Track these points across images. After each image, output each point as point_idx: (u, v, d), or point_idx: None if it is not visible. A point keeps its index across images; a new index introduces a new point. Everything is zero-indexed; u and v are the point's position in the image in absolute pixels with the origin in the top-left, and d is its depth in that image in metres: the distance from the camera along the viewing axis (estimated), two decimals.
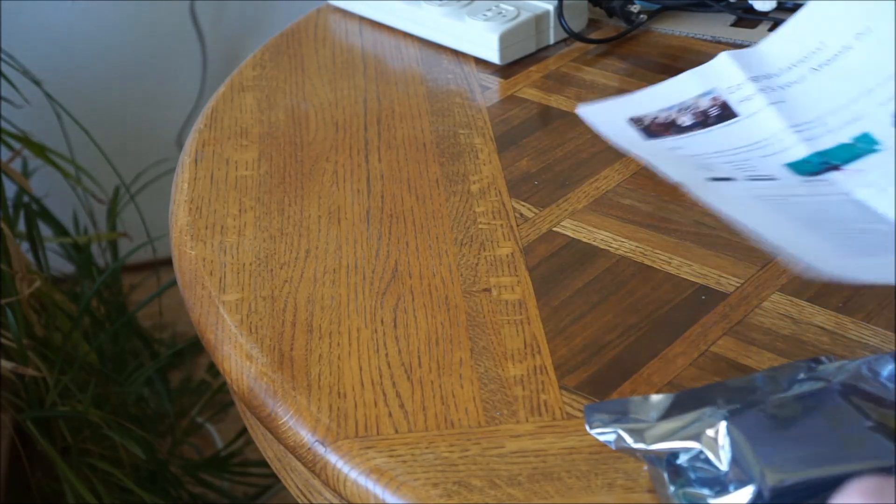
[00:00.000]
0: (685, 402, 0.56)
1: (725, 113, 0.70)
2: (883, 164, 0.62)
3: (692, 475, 0.52)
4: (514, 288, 0.69)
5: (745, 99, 0.70)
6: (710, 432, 0.52)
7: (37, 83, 1.42)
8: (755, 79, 0.70)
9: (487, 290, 0.69)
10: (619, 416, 0.56)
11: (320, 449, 0.60)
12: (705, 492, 0.51)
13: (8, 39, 1.59)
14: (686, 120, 0.70)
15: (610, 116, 0.70)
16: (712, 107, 0.71)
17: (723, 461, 0.51)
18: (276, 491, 1.50)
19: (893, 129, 0.63)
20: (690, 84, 0.72)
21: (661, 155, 0.64)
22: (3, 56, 1.41)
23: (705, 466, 0.52)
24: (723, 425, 0.52)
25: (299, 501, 0.71)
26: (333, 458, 0.59)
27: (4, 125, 1.40)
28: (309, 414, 0.62)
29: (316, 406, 0.62)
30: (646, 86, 0.73)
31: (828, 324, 0.65)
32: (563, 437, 0.59)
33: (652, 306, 0.67)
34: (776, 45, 0.72)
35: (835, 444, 0.51)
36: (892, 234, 0.59)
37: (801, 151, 0.66)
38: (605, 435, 0.56)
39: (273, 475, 1.20)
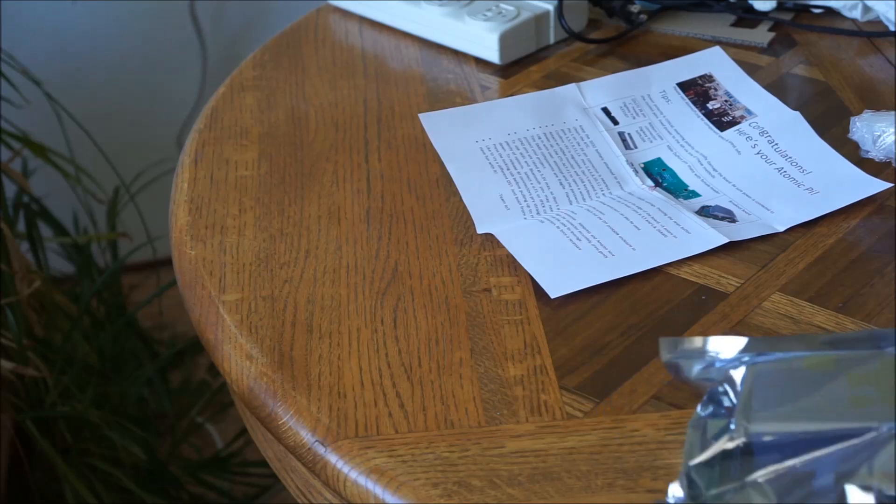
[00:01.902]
0: (753, 345, 0.58)
1: (702, 99, 0.85)
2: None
3: (715, 406, 0.55)
4: (514, 288, 0.69)
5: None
6: (734, 373, 0.55)
7: (37, 83, 1.42)
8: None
9: (487, 290, 0.69)
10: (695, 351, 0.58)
11: (320, 449, 0.60)
12: (716, 421, 0.54)
13: (8, 39, 1.59)
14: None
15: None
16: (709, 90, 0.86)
17: (733, 401, 0.55)
18: (276, 491, 1.50)
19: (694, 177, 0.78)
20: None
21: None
22: (3, 56, 1.41)
23: (724, 401, 0.55)
24: (741, 370, 0.55)
25: (299, 501, 0.71)
26: (333, 458, 0.59)
27: (4, 125, 1.40)
28: (309, 414, 0.62)
29: (316, 406, 0.62)
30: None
31: (828, 324, 0.65)
32: (563, 437, 0.59)
33: (652, 306, 0.67)
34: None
35: (824, 404, 0.53)
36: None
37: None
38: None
39: (273, 475, 1.20)
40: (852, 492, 0.49)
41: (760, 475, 0.50)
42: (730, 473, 0.51)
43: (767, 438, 0.52)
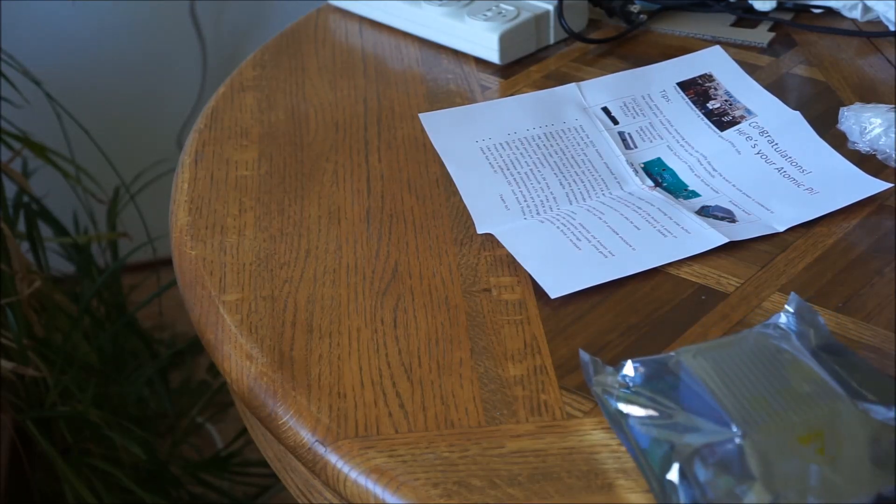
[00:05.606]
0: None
1: (701, 99, 0.85)
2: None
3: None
4: (514, 288, 0.69)
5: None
6: (627, 363, 0.60)
7: (37, 83, 1.42)
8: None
9: (487, 290, 0.69)
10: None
11: (320, 449, 0.60)
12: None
13: (8, 39, 1.59)
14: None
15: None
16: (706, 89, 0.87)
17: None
18: (277, 491, 1.50)
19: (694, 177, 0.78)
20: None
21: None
22: (3, 56, 1.41)
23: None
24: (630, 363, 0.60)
25: (299, 501, 0.71)
26: (333, 458, 0.59)
27: (4, 125, 1.40)
28: (309, 414, 0.62)
29: (316, 406, 0.62)
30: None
31: (828, 324, 0.65)
32: (563, 437, 0.59)
33: (652, 306, 0.67)
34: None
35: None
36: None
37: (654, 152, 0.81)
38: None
39: (273, 475, 1.20)
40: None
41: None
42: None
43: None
